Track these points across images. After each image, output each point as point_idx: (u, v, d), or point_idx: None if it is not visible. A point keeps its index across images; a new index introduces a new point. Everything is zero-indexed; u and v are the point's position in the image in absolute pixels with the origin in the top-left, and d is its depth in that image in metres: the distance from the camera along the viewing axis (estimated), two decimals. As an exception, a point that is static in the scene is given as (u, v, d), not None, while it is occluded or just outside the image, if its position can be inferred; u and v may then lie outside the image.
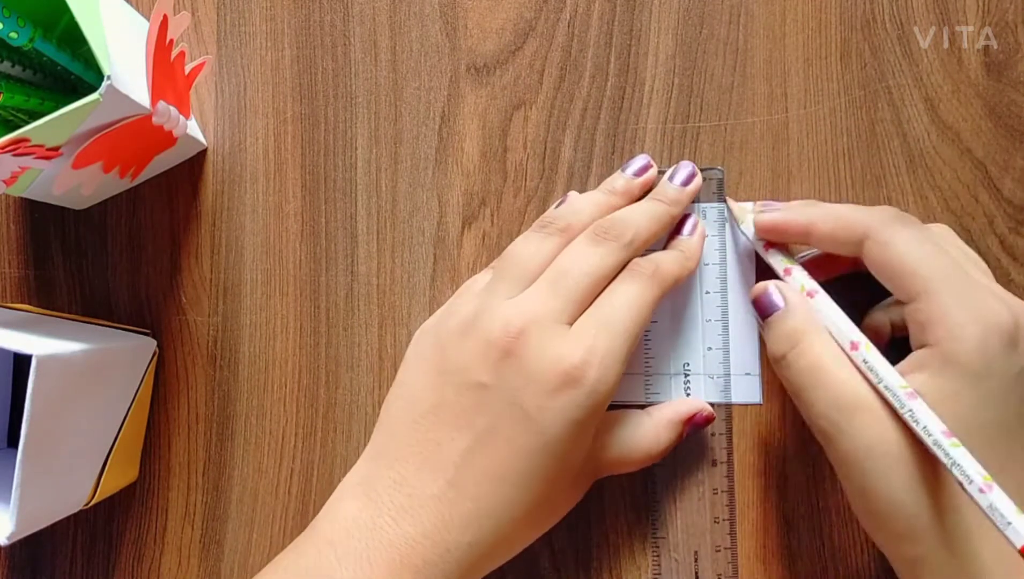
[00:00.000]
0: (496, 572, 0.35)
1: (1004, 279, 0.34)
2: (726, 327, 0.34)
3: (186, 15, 0.32)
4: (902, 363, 0.28)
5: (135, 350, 0.35)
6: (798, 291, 0.31)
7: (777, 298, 0.30)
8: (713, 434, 0.34)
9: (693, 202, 0.35)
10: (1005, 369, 0.26)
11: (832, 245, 0.30)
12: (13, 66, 0.31)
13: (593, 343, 0.28)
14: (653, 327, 0.35)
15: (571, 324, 0.29)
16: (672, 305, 0.35)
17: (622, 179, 0.34)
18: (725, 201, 0.35)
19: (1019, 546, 0.24)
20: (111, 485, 0.34)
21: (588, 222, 0.32)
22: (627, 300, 0.30)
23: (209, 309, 0.37)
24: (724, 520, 0.34)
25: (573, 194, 0.34)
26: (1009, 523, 0.24)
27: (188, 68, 0.34)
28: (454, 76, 0.36)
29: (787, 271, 0.32)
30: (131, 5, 0.36)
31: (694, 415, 0.33)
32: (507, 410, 0.28)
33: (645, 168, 0.34)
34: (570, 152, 0.36)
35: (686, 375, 0.34)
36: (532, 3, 0.36)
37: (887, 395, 0.27)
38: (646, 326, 0.30)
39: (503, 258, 0.32)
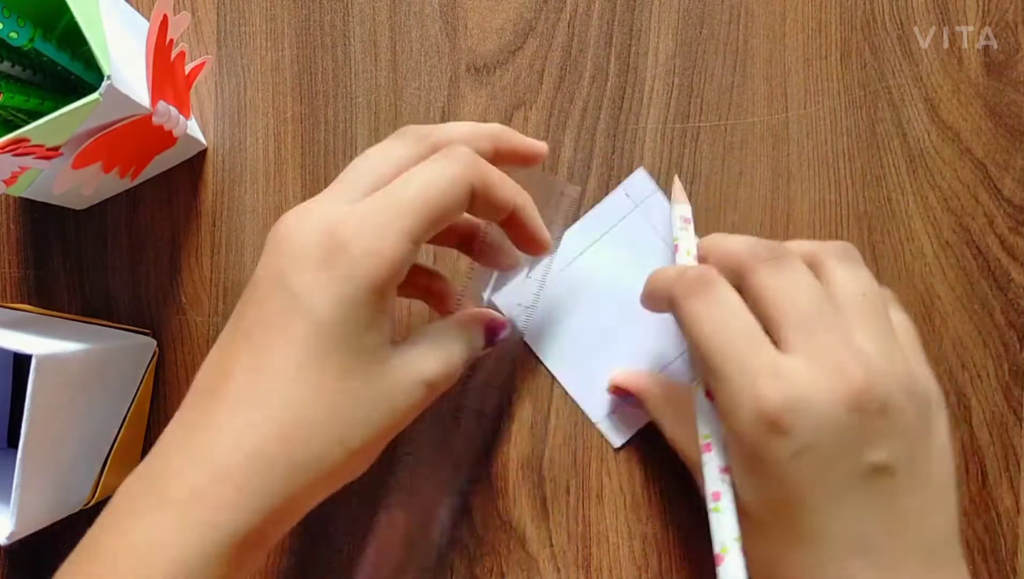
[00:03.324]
0: (497, 573, 0.35)
1: (1004, 279, 0.34)
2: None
3: (186, 15, 0.32)
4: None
5: (135, 350, 0.35)
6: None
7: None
8: None
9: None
10: (771, 453, 0.25)
11: (658, 310, 0.30)
12: (13, 66, 0.31)
13: (367, 212, 0.25)
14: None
15: None
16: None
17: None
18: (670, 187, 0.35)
19: None
20: (111, 485, 0.34)
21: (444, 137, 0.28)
22: (425, 176, 0.26)
23: (209, 309, 0.37)
24: None
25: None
26: None
27: (188, 68, 0.34)
28: (454, 76, 0.36)
29: None
30: (131, 5, 0.36)
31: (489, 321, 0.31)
32: (275, 295, 0.25)
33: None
34: (570, 152, 0.36)
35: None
36: (532, 3, 0.36)
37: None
38: (449, 208, 0.26)
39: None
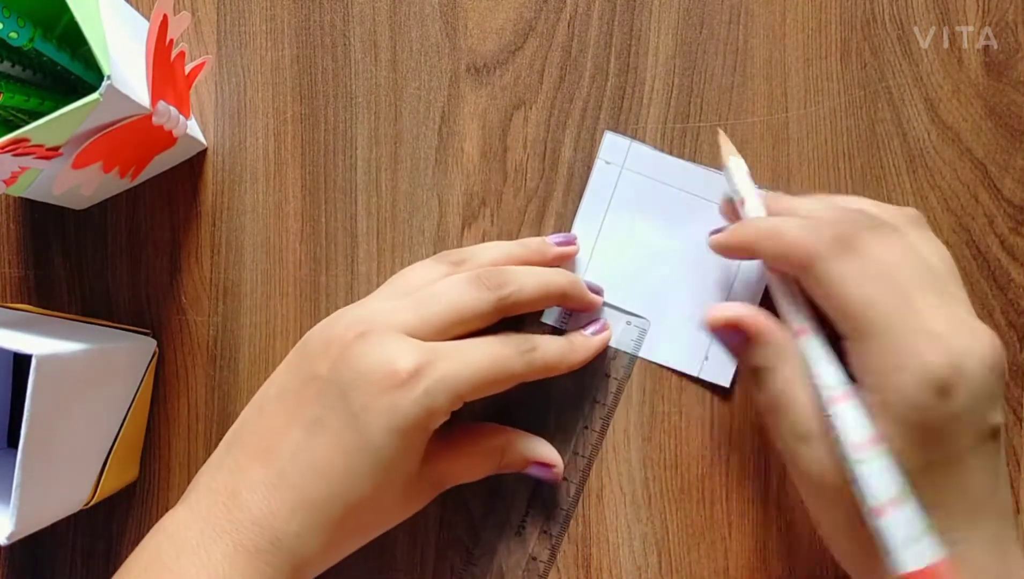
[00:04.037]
0: (497, 573, 0.35)
1: (1004, 279, 0.34)
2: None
3: (186, 15, 0.32)
4: None
5: (135, 350, 0.35)
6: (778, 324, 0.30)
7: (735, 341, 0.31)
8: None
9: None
10: (937, 416, 0.25)
11: (778, 265, 0.30)
12: (13, 66, 0.31)
13: (433, 360, 0.28)
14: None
15: None
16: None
17: (539, 239, 0.34)
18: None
19: (898, 574, 0.25)
20: (111, 485, 0.34)
21: (486, 265, 0.32)
22: (490, 353, 0.29)
23: (209, 309, 0.37)
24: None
25: (491, 243, 0.34)
26: (889, 552, 0.25)
27: (188, 68, 0.34)
28: (454, 76, 0.36)
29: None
30: (131, 5, 0.36)
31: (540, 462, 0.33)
32: (337, 404, 0.28)
33: (568, 242, 0.34)
34: (570, 152, 0.36)
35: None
36: (532, 3, 0.36)
37: (817, 392, 0.27)
38: (496, 389, 0.29)
39: (395, 276, 0.33)
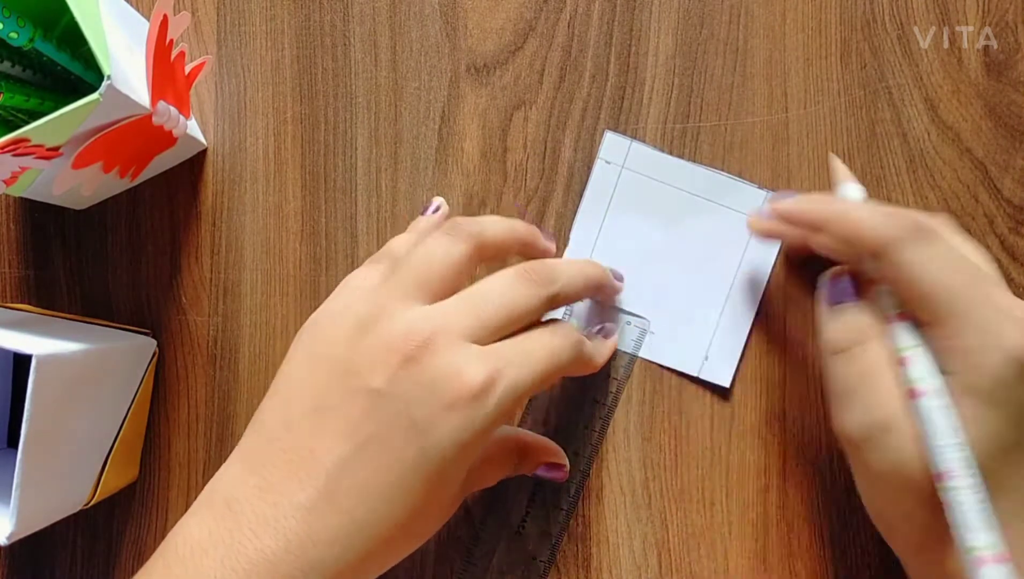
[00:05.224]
0: (497, 572, 0.35)
1: (1004, 279, 0.34)
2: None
3: (186, 15, 0.32)
4: None
5: (135, 350, 0.35)
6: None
7: (851, 292, 0.30)
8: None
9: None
10: (1022, 394, 0.26)
11: (840, 252, 0.29)
12: (13, 66, 0.31)
13: (501, 369, 0.26)
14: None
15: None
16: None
17: (532, 227, 0.33)
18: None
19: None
20: (111, 485, 0.34)
21: (499, 238, 0.30)
22: (549, 347, 0.28)
23: (209, 309, 0.37)
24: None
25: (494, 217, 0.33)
26: None
27: (188, 68, 0.34)
28: (454, 76, 0.36)
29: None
30: (131, 5, 0.36)
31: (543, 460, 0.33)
32: (397, 420, 0.26)
33: (551, 239, 0.34)
34: (570, 152, 0.36)
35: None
36: (532, 3, 0.36)
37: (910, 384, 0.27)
38: (551, 382, 0.28)
39: (407, 256, 0.29)
